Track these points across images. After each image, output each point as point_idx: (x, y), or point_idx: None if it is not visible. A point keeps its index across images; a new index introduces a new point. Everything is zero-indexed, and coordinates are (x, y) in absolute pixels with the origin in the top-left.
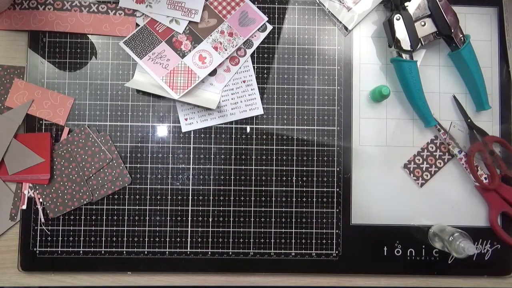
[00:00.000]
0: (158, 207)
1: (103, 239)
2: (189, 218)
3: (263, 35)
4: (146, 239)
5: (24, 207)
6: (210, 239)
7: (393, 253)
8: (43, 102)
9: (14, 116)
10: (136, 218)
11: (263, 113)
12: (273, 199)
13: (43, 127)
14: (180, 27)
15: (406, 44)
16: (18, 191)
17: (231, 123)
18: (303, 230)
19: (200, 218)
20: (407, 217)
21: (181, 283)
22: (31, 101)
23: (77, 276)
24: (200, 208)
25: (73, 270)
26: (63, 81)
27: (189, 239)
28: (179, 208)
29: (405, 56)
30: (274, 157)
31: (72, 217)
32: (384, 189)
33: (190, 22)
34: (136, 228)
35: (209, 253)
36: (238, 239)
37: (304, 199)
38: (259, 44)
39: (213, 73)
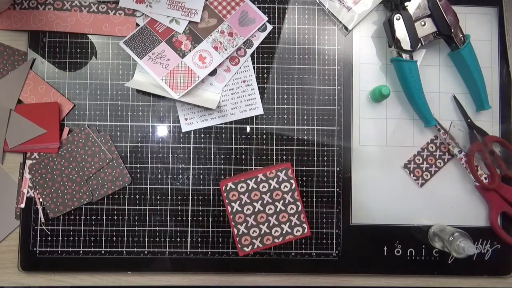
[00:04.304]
0: (158, 207)
1: (103, 239)
2: (189, 218)
3: (263, 35)
4: (146, 239)
5: (23, 205)
6: (210, 239)
7: (393, 253)
8: (43, 98)
9: (16, 77)
10: (136, 218)
11: (263, 113)
12: None
13: None
14: (180, 27)
15: (406, 44)
16: None
17: (231, 123)
18: None
19: (200, 218)
20: (407, 217)
21: (181, 283)
22: (33, 59)
23: (77, 276)
24: (200, 208)
25: (73, 270)
26: (63, 81)
27: (189, 239)
28: (179, 208)
29: (405, 56)
30: (274, 157)
31: (72, 217)
32: (384, 189)
33: (190, 22)
34: (136, 228)
35: (209, 253)
36: None
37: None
38: (259, 44)
39: (213, 73)
